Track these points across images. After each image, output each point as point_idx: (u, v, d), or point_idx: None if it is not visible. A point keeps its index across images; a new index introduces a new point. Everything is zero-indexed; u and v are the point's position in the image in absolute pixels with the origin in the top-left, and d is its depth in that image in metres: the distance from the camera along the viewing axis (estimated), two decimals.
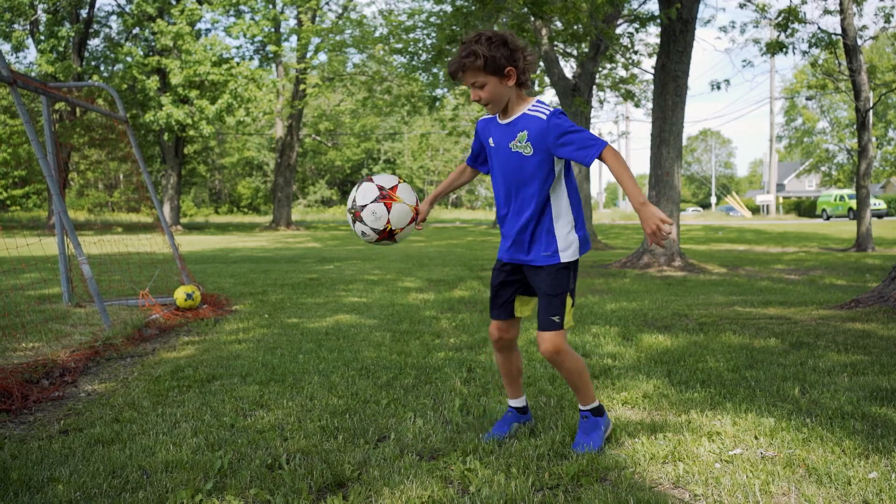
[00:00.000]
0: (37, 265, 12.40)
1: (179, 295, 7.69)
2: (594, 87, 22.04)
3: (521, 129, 3.14)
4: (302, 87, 35.64)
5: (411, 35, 25.04)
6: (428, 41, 24.13)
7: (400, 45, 24.40)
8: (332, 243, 23.86)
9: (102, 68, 35.53)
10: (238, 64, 33.35)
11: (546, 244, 3.18)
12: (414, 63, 24.22)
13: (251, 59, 36.65)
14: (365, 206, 3.31)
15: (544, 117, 3.09)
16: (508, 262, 3.31)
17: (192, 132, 33.53)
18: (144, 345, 6.06)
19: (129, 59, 33.11)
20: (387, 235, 3.36)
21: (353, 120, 42.58)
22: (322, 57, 36.28)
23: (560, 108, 3.19)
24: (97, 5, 36.93)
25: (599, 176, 77.10)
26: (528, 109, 3.16)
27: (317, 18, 35.57)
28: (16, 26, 32.71)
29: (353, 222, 3.36)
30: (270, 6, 34.46)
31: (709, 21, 22.11)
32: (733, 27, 19.58)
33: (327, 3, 36.42)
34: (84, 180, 43.12)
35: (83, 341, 5.85)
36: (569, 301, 3.20)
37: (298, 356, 5.32)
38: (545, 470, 2.97)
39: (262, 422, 3.70)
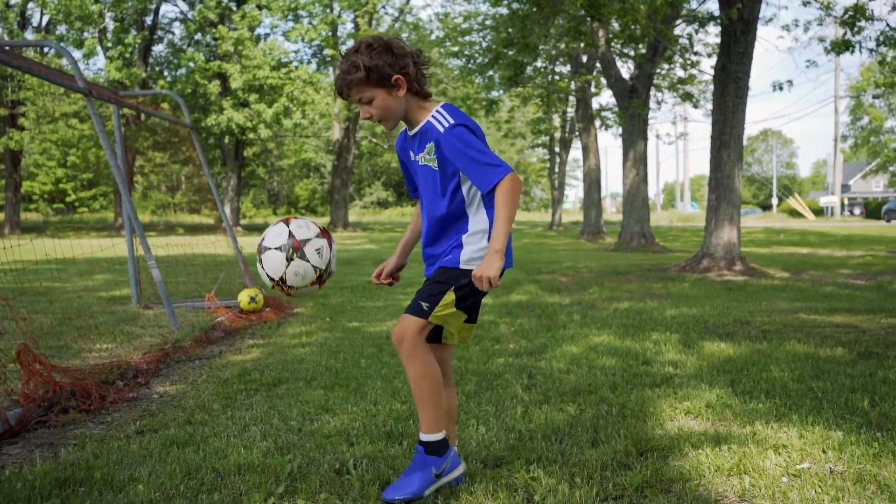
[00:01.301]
0: (109, 267, 12.78)
1: (243, 298, 7.87)
2: (651, 88, 21.83)
3: (428, 140, 2.82)
4: None
5: (467, 38, 25.13)
6: (484, 44, 24.20)
7: (456, 49, 24.49)
8: (388, 245, 24.07)
9: (166, 73, 36.40)
10: (296, 68, 33.87)
11: (451, 252, 2.86)
12: (470, 66, 24.29)
13: (308, 62, 37.18)
14: (308, 240, 3.00)
15: (441, 129, 2.76)
16: None
17: (251, 135, 34.16)
18: (211, 347, 6.22)
19: (191, 64, 33.87)
20: (317, 281, 3.05)
21: None
22: None
23: (465, 119, 2.78)
24: (161, 12, 37.83)
25: (657, 177, 76.22)
26: (432, 117, 2.82)
27: (373, 22, 35.91)
28: (86, 34, 33.70)
29: (289, 260, 2.98)
30: (328, 10, 34.90)
31: (770, 19, 21.56)
32: (796, 25, 19.16)
33: (384, 7, 36.73)
34: (147, 183, 44.18)
35: (153, 343, 6.04)
36: (449, 296, 2.78)
37: (361, 360, 5.41)
38: (609, 480, 2.99)
39: (329, 426, 3.78)
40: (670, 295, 9.50)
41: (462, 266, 2.80)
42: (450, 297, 2.78)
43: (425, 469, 2.81)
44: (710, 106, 30.88)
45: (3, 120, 35.33)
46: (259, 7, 34.75)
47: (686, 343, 6.00)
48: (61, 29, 34.92)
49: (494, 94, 25.65)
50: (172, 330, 6.62)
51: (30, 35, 35.99)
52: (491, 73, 23.32)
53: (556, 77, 30.04)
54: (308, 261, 2.97)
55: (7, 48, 6.50)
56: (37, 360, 4.31)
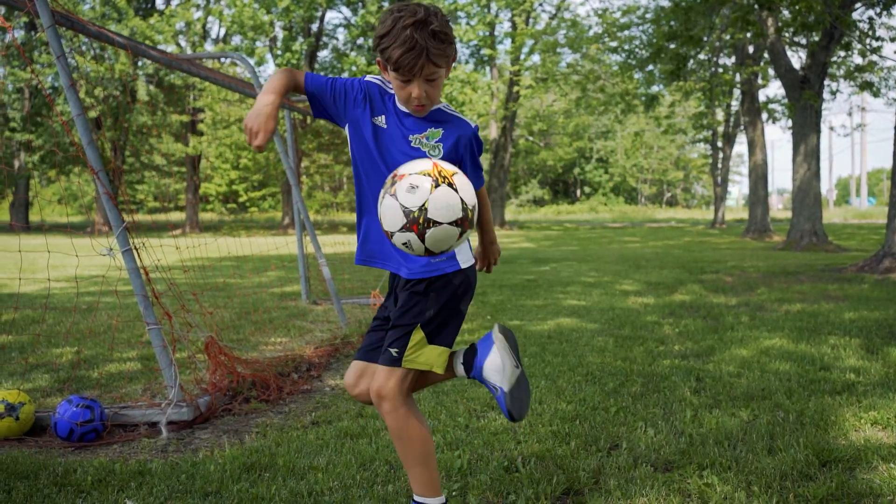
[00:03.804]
0: (280, 264, 13.46)
1: None
2: (825, 77, 20.59)
3: (434, 126, 2.52)
4: (515, 88, 36.10)
5: (626, 32, 24.63)
6: (644, 38, 23.64)
7: (615, 44, 24.05)
8: (545, 243, 23.98)
9: None
10: (454, 68, 34.36)
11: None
12: (630, 62, 23.79)
13: (466, 62, 37.63)
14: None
15: (472, 126, 2.55)
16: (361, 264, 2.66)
17: None
18: None
19: (353, 67, 35.06)
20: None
21: (567, 120, 42.58)
22: (535, 58, 36.55)
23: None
24: (326, 19, 39.38)
25: (829, 171, 71.72)
26: (444, 107, 2.56)
27: (530, 20, 35.89)
28: (258, 44, 35.63)
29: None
30: (486, 10, 35.18)
31: None
32: None
33: (541, 5, 36.61)
34: (312, 183, 46.13)
35: (324, 338, 6.31)
36: (417, 334, 2.49)
37: (523, 359, 5.43)
38: (789, 490, 2.86)
39: (495, 424, 3.83)
40: (848, 297, 8.94)
41: (427, 276, 2.50)
42: (417, 335, 2.48)
43: None
44: (893, 94, 28.70)
45: (186, 126, 37.93)
46: None
47: (868, 349, 5.63)
48: (236, 39, 37.07)
49: (654, 88, 25.01)
50: (340, 325, 6.90)
51: (209, 46, 38.43)
52: (651, 67, 22.77)
53: (720, 69, 28.92)
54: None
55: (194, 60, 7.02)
56: (221, 351, 4.61)
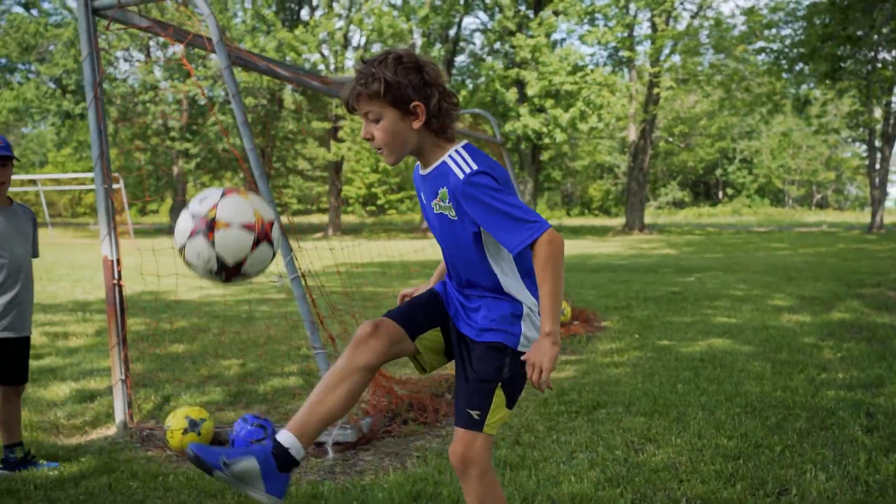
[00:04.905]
0: (419, 271, 13.73)
1: None
2: None
3: (441, 185, 2.40)
4: (655, 90, 35.31)
5: (773, 31, 23.60)
6: (794, 37, 22.59)
7: (760, 45, 23.07)
8: (687, 250, 23.35)
9: (468, 83, 38.23)
10: (591, 71, 33.98)
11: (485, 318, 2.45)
12: (779, 62, 22.77)
13: (604, 65, 37.13)
14: (183, 247, 2.52)
15: (461, 175, 2.33)
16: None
17: (546, 140, 34.86)
18: None
19: (490, 72, 35.28)
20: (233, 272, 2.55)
21: (709, 122, 41.30)
22: (675, 58, 35.64)
23: (489, 164, 2.35)
24: (463, 24, 39.79)
25: None
26: (448, 156, 2.39)
27: (670, 21, 35.00)
28: None
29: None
30: (625, 12, 34.60)
31: None
32: None
33: (682, 3, 35.64)
34: None
35: None
36: (499, 397, 2.41)
37: (677, 385, 5.34)
38: None
39: (655, 459, 3.79)
40: None
41: (503, 341, 2.43)
42: (499, 398, 2.42)
43: None
44: None
45: (329, 133, 39.28)
46: (556, 13, 35.33)
47: None
48: (376, 47, 38.06)
49: (804, 87, 23.86)
50: None
51: (350, 54, 39.67)
52: (801, 66, 21.74)
53: (879, 65, 27.27)
54: (232, 223, 2.53)
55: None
56: (380, 372, 4.77)
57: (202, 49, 4.39)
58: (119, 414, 4.54)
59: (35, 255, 3.92)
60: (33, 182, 37.85)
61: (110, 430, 4.55)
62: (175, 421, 4.14)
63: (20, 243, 3.75)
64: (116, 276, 4.49)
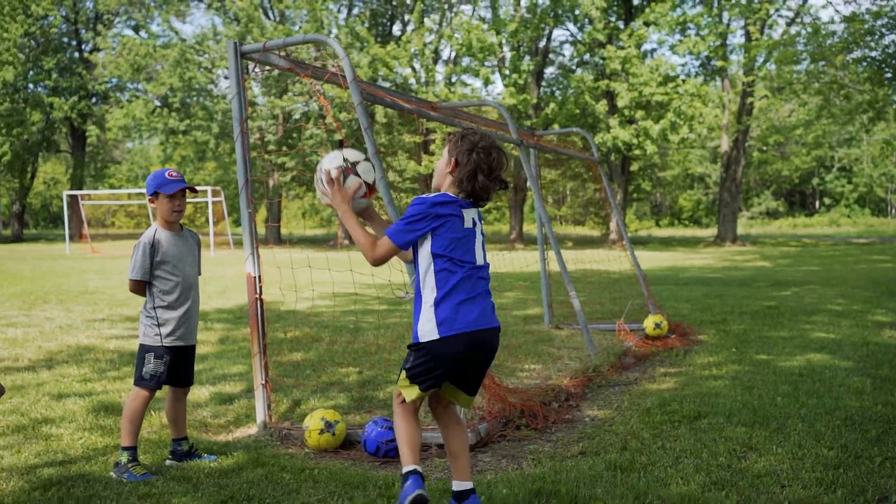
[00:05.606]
0: (510, 284, 14.05)
1: (649, 324, 8.35)
2: None
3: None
4: (749, 100, 34.80)
5: (874, 38, 23.04)
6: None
7: (859, 53, 22.50)
8: (782, 262, 22.99)
9: (558, 94, 38.42)
10: (683, 81, 33.72)
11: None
12: (884, 71, 22.18)
13: (697, 75, 36.78)
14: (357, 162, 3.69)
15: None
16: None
17: (636, 151, 34.74)
18: (626, 374, 6.76)
19: (580, 84, 35.41)
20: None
21: (806, 131, 40.43)
22: (769, 66, 35.02)
23: (425, 196, 3.37)
24: (552, 36, 40.04)
25: None
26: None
27: (765, 29, 34.45)
28: (486, 64, 36.98)
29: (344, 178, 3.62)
30: (717, 21, 34.24)
31: None
32: None
33: (777, 11, 35.04)
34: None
35: (576, 367, 6.73)
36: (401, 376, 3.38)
37: (776, 398, 5.54)
38: None
39: (757, 466, 4.05)
40: None
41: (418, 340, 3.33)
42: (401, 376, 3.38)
43: None
44: None
45: (419, 146, 40.05)
46: (646, 24, 35.24)
47: None
48: (465, 60, 38.66)
49: None
50: (589, 354, 7.30)
51: (440, 68, 40.41)
52: None
53: None
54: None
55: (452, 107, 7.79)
56: (494, 381, 5.16)
57: (338, 85, 4.88)
58: (260, 415, 5.05)
59: (199, 273, 4.46)
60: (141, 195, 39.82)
61: (251, 430, 5.07)
62: (312, 422, 4.61)
63: (191, 264, 4.30)
64: (258, 291, 5.01)
